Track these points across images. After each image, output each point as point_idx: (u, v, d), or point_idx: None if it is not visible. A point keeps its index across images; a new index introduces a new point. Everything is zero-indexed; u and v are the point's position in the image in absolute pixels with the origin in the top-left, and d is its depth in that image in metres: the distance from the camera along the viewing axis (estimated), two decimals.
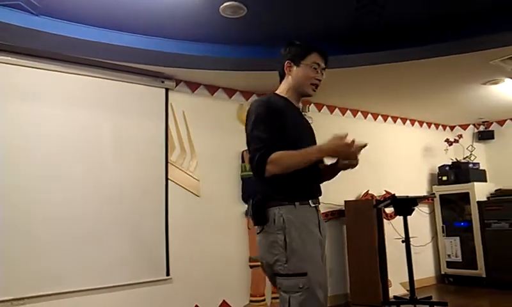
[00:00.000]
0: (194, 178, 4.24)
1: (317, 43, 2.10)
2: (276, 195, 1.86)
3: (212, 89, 4.52)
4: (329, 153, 1.89)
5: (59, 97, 3.59)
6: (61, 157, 3.52)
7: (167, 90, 4.18)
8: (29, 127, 3.41)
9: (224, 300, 4.23)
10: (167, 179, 4.06)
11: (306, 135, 2.06)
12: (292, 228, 1.81)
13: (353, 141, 1.83)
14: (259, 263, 4.83)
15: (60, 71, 3.58)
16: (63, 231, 3.43)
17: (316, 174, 1.99)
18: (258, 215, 1.88)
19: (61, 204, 3.46)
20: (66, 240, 3.43)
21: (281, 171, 1.82)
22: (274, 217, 1.83)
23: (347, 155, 1.89)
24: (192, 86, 4.40)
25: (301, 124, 2.07)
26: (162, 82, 4.13)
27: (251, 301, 4.36)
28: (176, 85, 4.25)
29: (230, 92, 4.65)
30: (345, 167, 1.96)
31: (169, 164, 4.09)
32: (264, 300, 4.39)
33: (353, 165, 1.94)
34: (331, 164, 2.03)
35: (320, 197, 2.02)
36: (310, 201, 1.91)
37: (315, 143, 2.06)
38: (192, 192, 4.21)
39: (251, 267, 4.41)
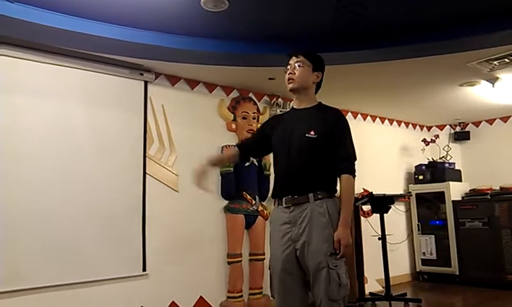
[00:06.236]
0: (173, 173, 4.19)
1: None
2: None
3: (192, 83, 4.47)
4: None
5: (32, 87, 3.47)
6: (32, 149, 3.41)
7: (146, 83, 4.10)
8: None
9: (201, 297, 4.20)
10: (145, 173, 3.99)
11: (283, 137, 2.35)
12: (270, 225, 2.36)
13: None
14: (237, 259, 4.84)
15: (34, 61, 3.47)
16: (35, 226, 3.34)
17: (287, 176, 2.27)
18: None
19: (30, 197, 3.36)
20: (39, 234, 3.34)
21: None
22: None
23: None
24: (172, 80, 4.34)
25: (284, 129, 2.37)
26: (141, 74, 4.05)
27: (228, 297, 4.34)
28: (156, 78, 4.19)
29: (211, 87, 4.61)
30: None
31: (147, 158, 4.03)
32: (241, 296, 4.37)
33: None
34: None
35: (300, 196, 2.22)
36: (283, 201, 2.24)
37: (294, 137, 2.34)
38: (170, 187, 4.16)
39: (229, 263, 4.39)
